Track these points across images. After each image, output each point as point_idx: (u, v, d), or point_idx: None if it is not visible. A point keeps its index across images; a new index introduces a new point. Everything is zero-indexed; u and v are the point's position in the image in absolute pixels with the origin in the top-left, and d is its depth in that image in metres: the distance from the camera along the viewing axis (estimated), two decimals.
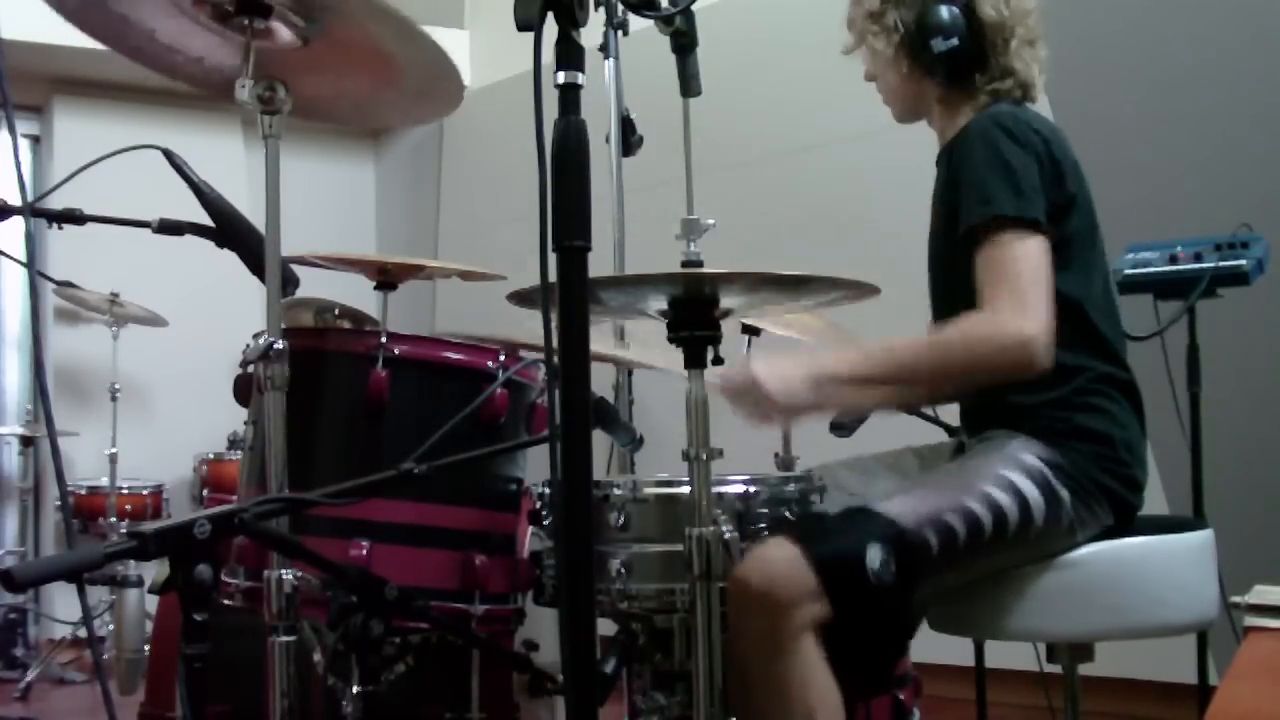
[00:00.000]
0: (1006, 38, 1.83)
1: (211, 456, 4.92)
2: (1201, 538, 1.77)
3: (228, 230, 1.88)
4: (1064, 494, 1.67)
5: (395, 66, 1.77)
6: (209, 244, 1.88)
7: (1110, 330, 1.80)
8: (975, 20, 1.82)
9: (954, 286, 1.89)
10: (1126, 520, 1.75)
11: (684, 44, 2.33)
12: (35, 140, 5.45)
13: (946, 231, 1.87)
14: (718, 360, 1.58)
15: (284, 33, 1.68)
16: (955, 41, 1.81)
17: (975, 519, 1.61)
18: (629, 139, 2.38)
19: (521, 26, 1.19)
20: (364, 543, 1.78)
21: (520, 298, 1.53)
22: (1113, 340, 1.80)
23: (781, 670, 1.55)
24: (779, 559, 1.56)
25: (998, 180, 1.69)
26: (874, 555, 1.54)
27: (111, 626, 3.90)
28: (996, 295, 1.65)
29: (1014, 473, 1.67)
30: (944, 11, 1.81)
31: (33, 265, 1.99)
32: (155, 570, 2.97)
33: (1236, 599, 1.35)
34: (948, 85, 1.87)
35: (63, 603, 4.70)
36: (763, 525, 1.67)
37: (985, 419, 1.83)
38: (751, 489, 1.69)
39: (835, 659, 1.57)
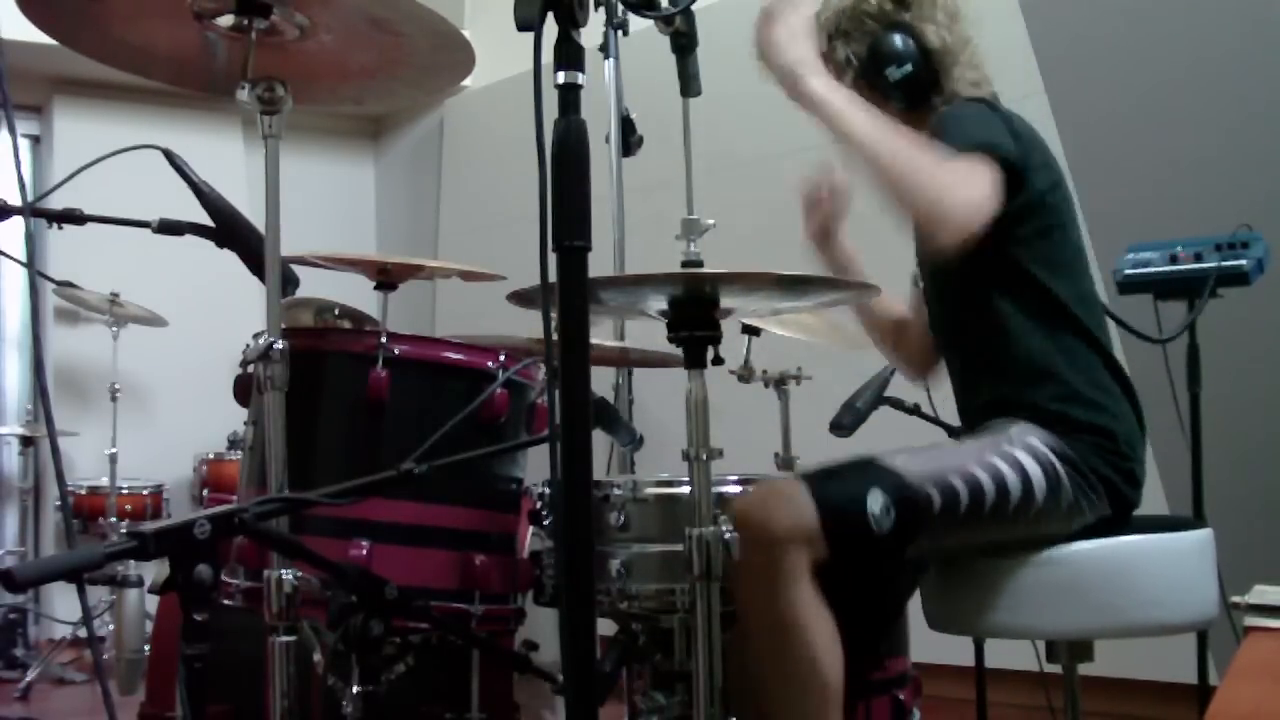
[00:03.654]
0: (950, 64, 1.85)
1: (211, 456, 4.91)
2: (1200, 537, 1.77)
3: (228, 230, 1.87)
4: (1065, 478, 1.69)
5: (399, 43, 1.76)
6: (209, 244, 1.88)
7: (1099, 329, 1.81)
8: (923, 46, 1.84)
9: (946, 287, 1.90)
10: (1123, 515, 1.75)
11: (684, 44, 2.33)
12: (35, 140, 5.45)
13: None
14: (718, 360, 1.59)
15: (284, 27, 1.68)
16: (910, 68, 1.83)
17: (978, 485, 1.64)
18: (629, 139, 2.38)
19: (521, 26, 1.19)
20: (364, 543, 1.78)
21: (520, 298, 1.54)
22: (1102, 339, 1.81)
23: (781, 611, 1.55)
24: (782, 492, 1.59)
25: (966, 132, 1.68)
26: (875, 501, 1.57)
27: (111, 626, 3.89)
28: (953, 164, 1.61)
29: (1018, 450, 1.69)
30: (897, 39, 1.83)
31: (33, 265, 1.99)
32: (155, 570, 2.97)
33: (1236, 599, 1.35)
34: (907, 110, 1.87)
35: (63, 603, 4.70)
36: None
37: (984, 419, 1.83)
38: (751, 489, 1.69)
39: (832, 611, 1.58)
